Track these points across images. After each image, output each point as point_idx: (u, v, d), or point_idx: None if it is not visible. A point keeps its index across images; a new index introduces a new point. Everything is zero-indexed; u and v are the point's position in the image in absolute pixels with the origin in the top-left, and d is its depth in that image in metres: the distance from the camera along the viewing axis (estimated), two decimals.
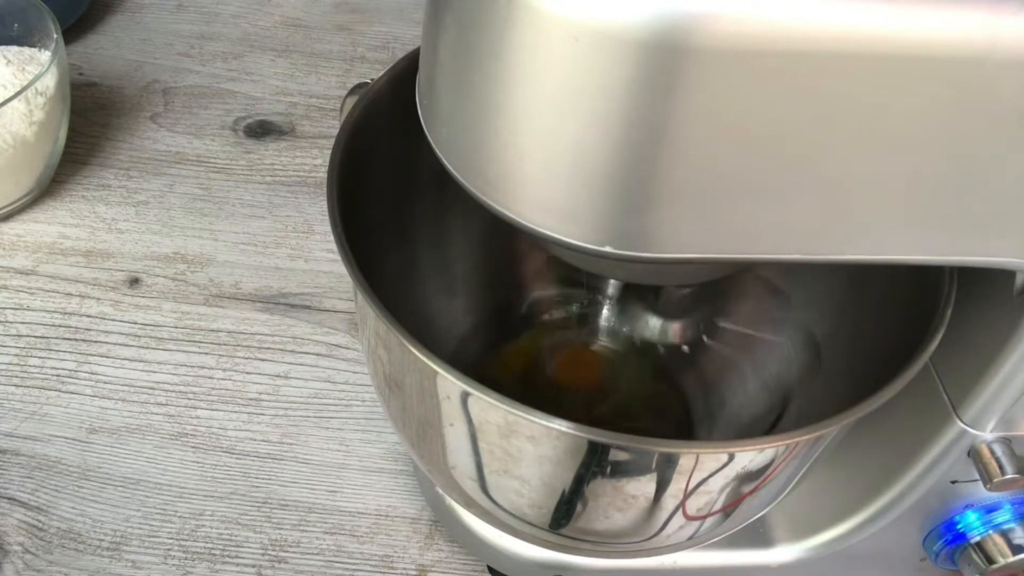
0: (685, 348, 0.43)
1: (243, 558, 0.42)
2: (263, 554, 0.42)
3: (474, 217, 0.40)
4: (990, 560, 0.35)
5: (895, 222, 0.22)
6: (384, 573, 0.42)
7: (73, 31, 0.68)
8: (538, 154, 0.21)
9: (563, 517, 0.30)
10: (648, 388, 0.43)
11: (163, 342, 0.49)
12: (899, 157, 0.20)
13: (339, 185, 0.29)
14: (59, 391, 0.47)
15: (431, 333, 0.41)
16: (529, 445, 0.26)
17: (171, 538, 0.42)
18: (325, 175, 0.32)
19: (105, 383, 0.48)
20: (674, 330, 0.43)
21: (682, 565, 0.38)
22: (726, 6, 0.17)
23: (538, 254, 0.42)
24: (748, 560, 0.39)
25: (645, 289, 0.44)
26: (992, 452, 0.31)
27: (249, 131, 0.62)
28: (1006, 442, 0.31)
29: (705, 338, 0.43)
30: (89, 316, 0.50)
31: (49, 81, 0.52)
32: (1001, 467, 0.31)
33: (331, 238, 0.27)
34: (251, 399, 0.47)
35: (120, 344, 0.49)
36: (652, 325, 0.43)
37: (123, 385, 0.48)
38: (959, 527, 0.35)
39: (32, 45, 0.56)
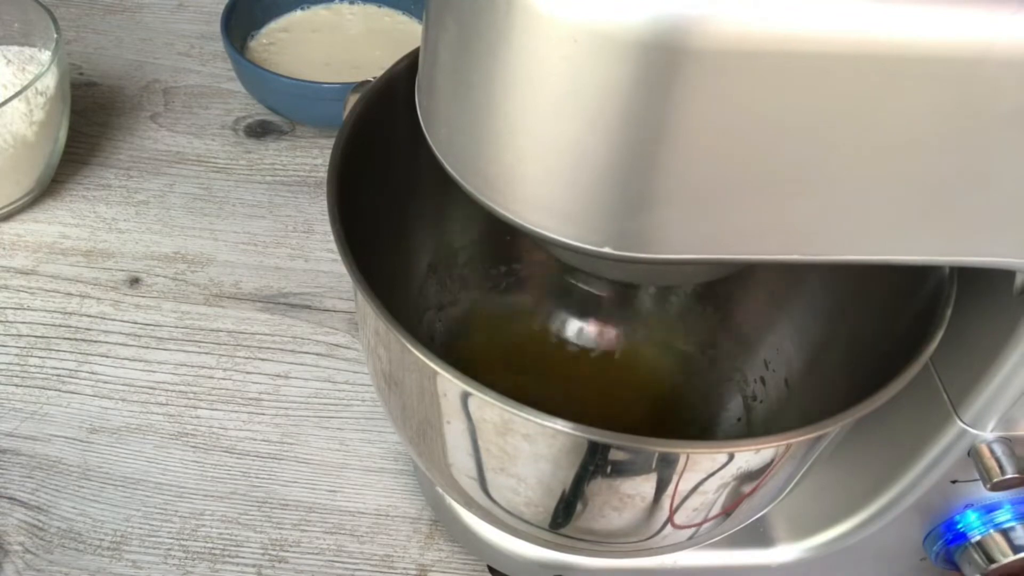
0: (685, 348, 0.43)
1: (243, 558, 0.42)
2: (263, 554, 0.42)
3: (475, 216, 0.40)
4: (990, 559, 0.35)
5: (895, 222, 0.22)
6: (384, 573, 0.42)
7: (73, 31, 0.68)
8: (537, 155, 0.21)
9: (561, 516, 0.30)
10: (647, 388, 0.43)
11: (163, 342, 0.50)
12: (898, 157, 0.20)
13: (339, 184, 0.29)
14: (59, 391, 0.47)
15: (430, 332, 0.41)
16: (525, 443, 0.26)
17: (171, 538, 0.42)
18: (325, 175, 0.32)
19: (105, 383, 0.48)
20: (674, 331, 0.43)
21: (682, 565, 0.38)
22: (724, 7, 0.17)
23: (539, 253, 0.42)
24: (748, 560, 0.39)
25: (647, 289, 0.44)
26: (992, 452, 0.31)
27: (249, 131, 0.62)
28: (1006, 442, 0.31)
29: (704, 338, 0.43)
30: (89, 316, 0.50)
31: (49, 81, 0.52)
32: (1001, 467, 0.31)
33: (331, 238, 0.28)
34: (251, 399, 0.47)
35: (120, 344, 0.49)
36: (653, 325, 0.43)
37: (123, 385, 0.48)
38: (959, 526, 0.35)
39: (32, 45, 0.56)
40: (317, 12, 0.66)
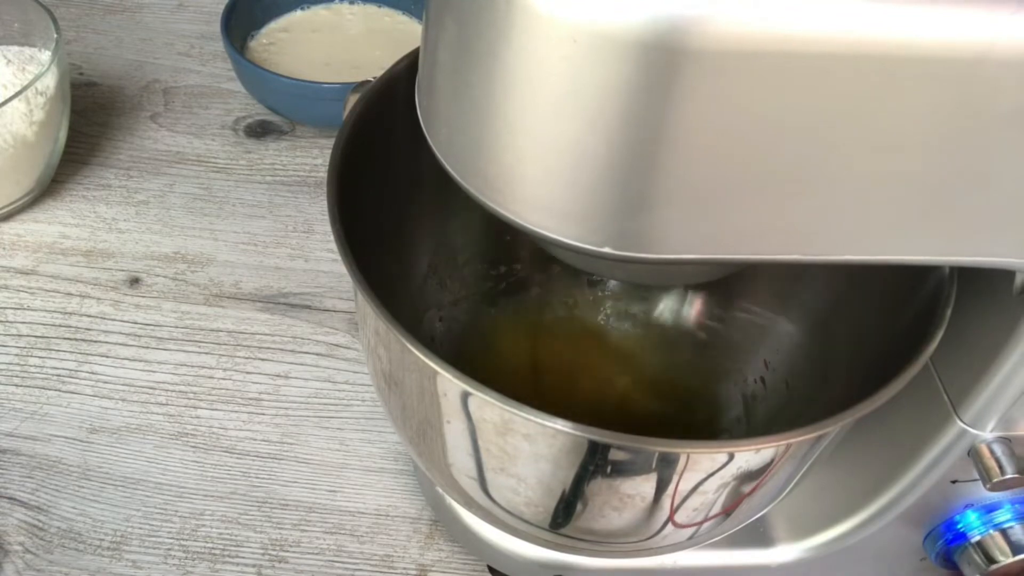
0: (685, 348, 0.43)
1: (243, 558, 0.42)
2: (263, 554, 0.42)
3: (474, 216, 0.40)
4: (990, 559, 0.35)
5: (895, 222, 0.22)
6: (384, 573, 0.42)
7: (73, 31, 0.68)
8: (537, 155, 0.21)
9: (561, 516, 0.30)
10: (647, 388, 0.43)
11: (163, 342, 0.50)
12: (898, 157, 0.20)
13: (339, 184, 0.29)
14: (59, 391, 0.47)
15: (430, 332, 0.41)
16: (525, 443, 0.26)
17: (171, 538, 0.42)
18: (325, 175, 0.32)
19: (105, 383, 0.48)
20: (674, 330, 0.43)
21: (682, 565, 0.38)
22: (723, 7, 0.17)
23: (540, 253, 0.42)
24: (748, 560, 0.39)
25: (647, 289, 0.44)
26: (992, 452, 0.31)
27: (249, 131, 0.62)
28: (1006, 442, 0.31)
29: (705, 338, 0.42)
30: (89, 316, 0.50)
31: (49, 81, 0.52)
32: (1001, 467, 0.31)
33: (331, 238, 0.28)
34: (251, 399, 0.47)
35: (120, 344, 0.49)
36: (653, 325, 0.43)
37: (123, 385, 0.48)
38: (959, 526, 0.35)
39: (32, 45, 0.56)
40: (317, 12, 0.66)
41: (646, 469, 0.26)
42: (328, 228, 0.31)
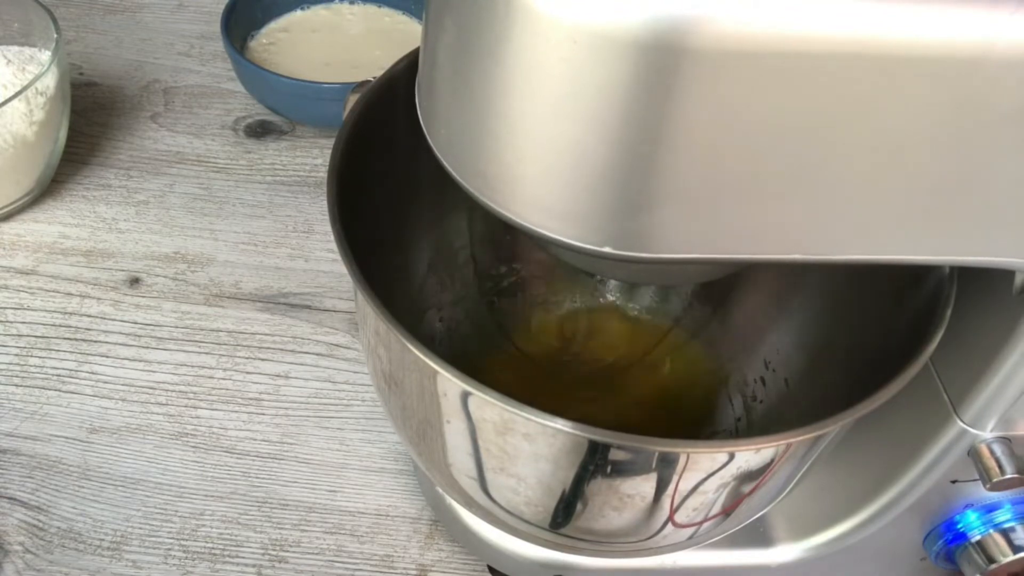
0: (685, 348, 0.43)
1: (243, 557, 0.42)
2: (263, 554, 0.42)
3: (474, 216, 0.40)
4: (990, 559, 0.35)
5: (895, 222, 0.22)
6: (384, 573, 0.42)
7: (73, 31, 0.68)
8: (537, 155, 0.21)
9: (561, 516, 0.30)
10: (647, 388, 0.43)
11: (163, 342, 0.50)
12: (898, 157, 0.20)
13: (339, 184, 0.29)
14: (59, 391, 0.47)
15: (431, 332, 0.41)
16: (525, 443, 0.26)
17: (171, 538, 0.42)
18: (325, 175, 0.32)
19: (105, 383, 0.48)
20: (674, 330, 0.43)
21: (682, 565, 0.38)
22: (723, 8, 0.17)
23: (540, 252, 0.42)
24: (748, 560, 0.39)
25: (647, 288, 0.44)
26: (992, 452, 0.31)
27: (249, 131, 0.62)
28: (1006, 442, 0.31)
29: (705, 338, 0.43)
30: (89, 316, 0.51)
31: (49, 81, 0.52)
32: (1001, 467, 0.31)
33: (331, 238, 0.28)
34: (251, 399, 0.47)
35: (120, 344, 0.49)
36: (652, 325, 0.43)
37: (123, 385, 0.48)
38: (959, 526, 0.35)
39: (32, 45, 0.56)
40: (317, 12, 0.66)
41: (646, 469, 0.26)
42: (328, 228, 0.31)
